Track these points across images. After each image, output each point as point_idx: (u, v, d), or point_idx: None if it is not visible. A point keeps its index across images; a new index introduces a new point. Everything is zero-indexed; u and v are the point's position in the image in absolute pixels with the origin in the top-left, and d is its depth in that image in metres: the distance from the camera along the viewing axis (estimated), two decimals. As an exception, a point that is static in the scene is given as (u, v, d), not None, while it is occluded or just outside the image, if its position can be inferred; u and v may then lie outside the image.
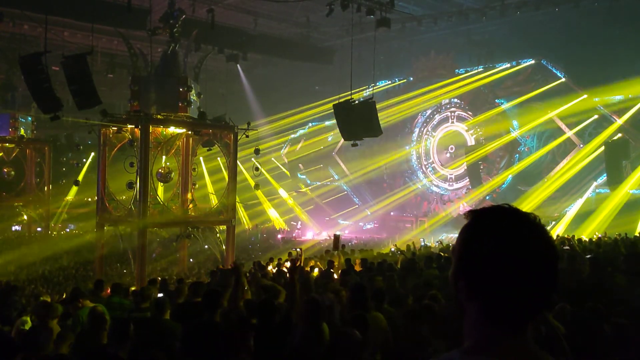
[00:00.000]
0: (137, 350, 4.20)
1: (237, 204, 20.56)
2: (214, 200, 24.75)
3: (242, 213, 33.80)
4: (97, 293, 8.26)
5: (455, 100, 33.35)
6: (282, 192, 36.03)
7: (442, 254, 13.40)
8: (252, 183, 30.36)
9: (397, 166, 36.48)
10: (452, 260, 1.29)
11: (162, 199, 18.78)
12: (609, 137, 25.71)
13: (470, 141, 32.60)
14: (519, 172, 29.97)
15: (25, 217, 29.86)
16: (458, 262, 1.24)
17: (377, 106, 18.71)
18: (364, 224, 35.47)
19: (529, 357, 1.19)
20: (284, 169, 37.59)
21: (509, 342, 1.18)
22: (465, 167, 31.82)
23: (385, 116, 31.08)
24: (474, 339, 1.21)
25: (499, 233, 1.18)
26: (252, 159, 21.19)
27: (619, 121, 26.08)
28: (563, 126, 28.26)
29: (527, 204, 26.92)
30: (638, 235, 19.52)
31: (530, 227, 1.19)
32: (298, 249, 13.79)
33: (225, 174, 30.95)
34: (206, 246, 20.00)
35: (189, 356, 4.14)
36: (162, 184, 19.41)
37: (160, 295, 8.18)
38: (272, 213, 35.10)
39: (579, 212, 25.93)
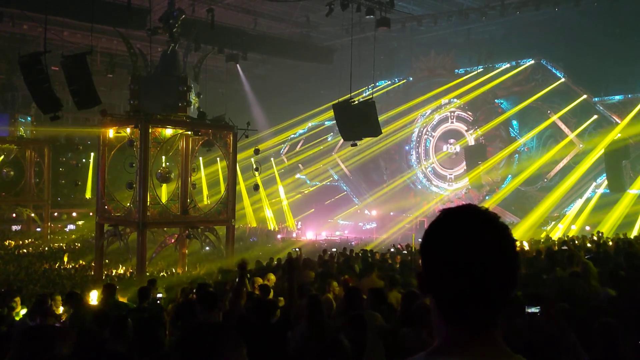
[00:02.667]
0: (135, 346, 4.20)
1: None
2: (206, 199, 24.75)
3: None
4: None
5: (455, 100, 33.34)
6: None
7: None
8: (243, 186, 30.49)
9: (398, 166, 36.47)
10: None
11: (162, 199, 18.82)
12: (608, 140, 25.57)
13: (470, 141, 32.60)
14: (518, 172, 29.95)
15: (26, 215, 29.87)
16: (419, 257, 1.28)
17: (380, 118, 18.75)
18: (363, 224, 35.47)
19: (495, 358, 1.17)
20: (276, 175, 37.30)
21: (472, 342, 1.17)
22: (465, 168, 31.76)
23: (389, 132, 31.38)
24: (439, 338, 1.23)
25: (450, 230, 1.20)
26: (252, 159, 21.19)
27: (619, 121, 26.08)
28: (563, 126, 28.26)
29: (538, 209, 26.94)
30: (638, 235, 19.52)
31: (485, 226, 1.19)
32: (297, 249, 13.83)
33: (220, 173, 31.14)
34: (207, 247, 19.98)
35: (188, 357, 4.13)
36: (165, 184, 19.46)
37: (159, 295, 8.18)
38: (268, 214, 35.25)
39: (588, 215, 25.80)
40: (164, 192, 23.57)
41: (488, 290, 1.16)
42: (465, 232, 1.18)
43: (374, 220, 35.14)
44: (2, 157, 28.67)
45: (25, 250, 23.45)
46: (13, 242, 25.77)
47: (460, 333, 1.19)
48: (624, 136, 25.19)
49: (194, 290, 8.27)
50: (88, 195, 32.78)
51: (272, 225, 34.55)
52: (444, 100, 33.89)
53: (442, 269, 1.17)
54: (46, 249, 25.04)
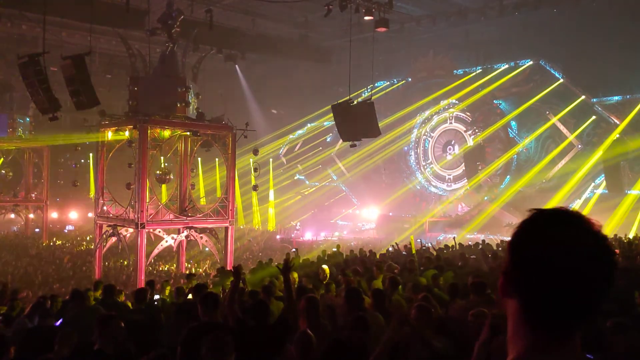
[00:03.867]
0: (131, 347, 4.19)
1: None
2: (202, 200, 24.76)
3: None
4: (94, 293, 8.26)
5: (454, 101, 33.35)
6: None
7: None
8: (237, 190, 30.61)
9: (396, 167, 36.47)
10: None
11: (162, 200, 18.85)
12: (607, 142, 25.56)
13: (469, 141, 32.62)
14: (517, 173, 29.95)
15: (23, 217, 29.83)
16: (508, 256, 1.20)
17: (381, 124, 18.77)
18: (362, 225, 35.45)
19: None
20: (270, 178, 37.12)
21: (558, 350, 1.15)
22: (463, 161, 31.79)
23: (390, 139, 31.42)
24: (517, 350, 1.18)
25: (557, 234, 1.16)
26: (250, 160, 21.19)
27: (617, 122, 26.10)
28: (561, 127, 28.27)
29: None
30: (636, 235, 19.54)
31: (590, 231, 1.16)
32: (294, 250, 13.85)
33: (218, 180, 31.14)
34: (207, 248, 20.00)
35: (191, 357, 4.14)
36: (165, 184, 19.51)
37: (157, 297, 8.18)
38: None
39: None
40: (164, 193, 23.59)
41: (586, 299, 1.13)
42: (573, 238, 1.14)
43: (373, 221, 35.12)
44: (2, 159, 28.67)
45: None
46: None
47: (548, 340, 1.15)
48: (621, 136, 25.08)
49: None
50: (92, 194, 32.83)
51: (256, 225, 34.72)
52: (442, 101, 33.91)
53: (543, 273, 1.13)
54: (45, 242, 25.09)
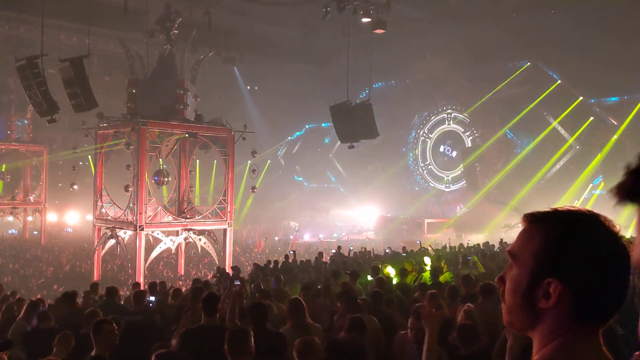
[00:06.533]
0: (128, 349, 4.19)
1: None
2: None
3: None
4: (93, 295, 8.26)
5: (452, 102, 33.38)
6: None
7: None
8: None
9: (395, 168, 36.47)
10: (524, 262, 1.25)
11: (162, 201, 18.86)
12: (606, 143, 25.64)
13: (467, 143, 32.65)
14: (515, 173, 29.95)
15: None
16: (547, 263, 1.22)
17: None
18: (361, 226, 35.44)
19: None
20: (259, 181, 36.83)
21: (596, 340, 1.22)
22: (462, 170, 31.88)
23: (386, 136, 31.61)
24: (559, 340, 1.23)
25: (597, 232, 1.22)
26: (249, 161, 21.20)
27: (615, 122, 26.14)
28: (559, 128, 28.30)
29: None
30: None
31: (612, 228, 1.24)
32: (291, 251, 13.88)
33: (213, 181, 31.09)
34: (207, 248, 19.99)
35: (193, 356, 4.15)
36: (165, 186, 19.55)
37: (152, 298, 8.18)
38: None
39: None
40: (166, 195, 23.58)
41: (622, 290, 1.21)
42: (618, 239, 1.22)
43: (372, 222, 35.13)
44: (4, 165, 28.69)
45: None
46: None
47: (590, 332, 1.23)
48: (619, 137, 25.10)
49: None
50: None
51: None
52: (440, 103, 33.93)
53: (602, 274, 1.19)
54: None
